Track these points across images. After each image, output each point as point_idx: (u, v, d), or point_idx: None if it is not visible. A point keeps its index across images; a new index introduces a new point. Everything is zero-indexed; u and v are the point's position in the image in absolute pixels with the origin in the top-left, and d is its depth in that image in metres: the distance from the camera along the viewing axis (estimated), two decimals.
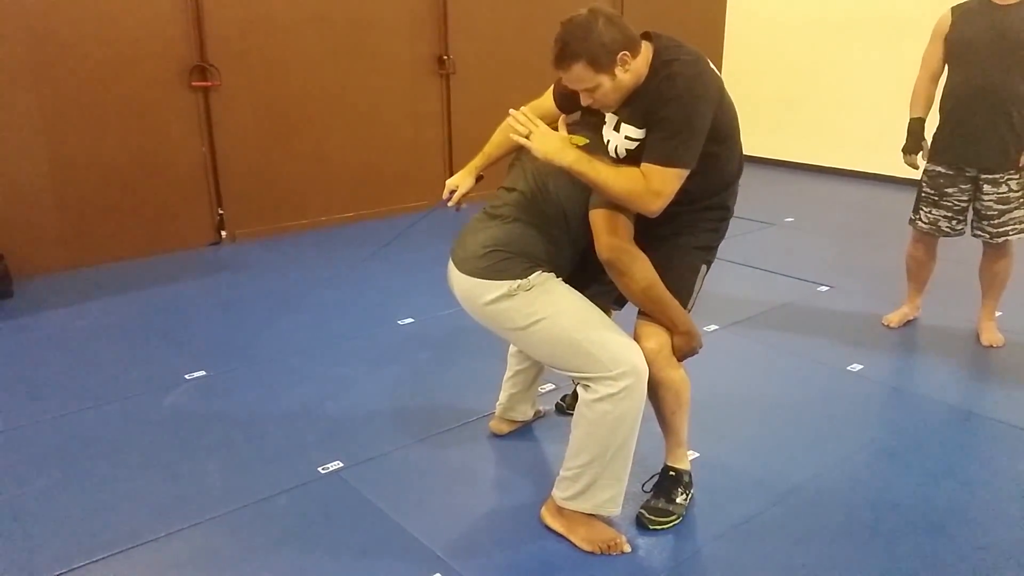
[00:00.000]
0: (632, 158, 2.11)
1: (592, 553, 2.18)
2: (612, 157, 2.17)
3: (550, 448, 2.76)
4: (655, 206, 2.03)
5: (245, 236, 5.14)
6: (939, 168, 3.55)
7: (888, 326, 3.79)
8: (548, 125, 2.12)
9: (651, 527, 2.29)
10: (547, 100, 2.44)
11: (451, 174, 2.63)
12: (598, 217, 2.10)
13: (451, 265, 2.32)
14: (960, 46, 3.41)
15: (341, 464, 2.61)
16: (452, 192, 2.56)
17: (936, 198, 3.57)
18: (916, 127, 3.60)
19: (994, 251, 3.57)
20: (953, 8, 3.46)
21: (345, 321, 3.83)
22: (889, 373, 3.35)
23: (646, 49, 2.07)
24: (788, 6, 7.39)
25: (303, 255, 4.87)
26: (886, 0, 6.68)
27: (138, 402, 3.03)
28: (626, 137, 2.12)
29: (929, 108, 3.60)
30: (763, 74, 7.57)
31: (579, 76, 2.01)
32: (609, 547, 2.20)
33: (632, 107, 2.09)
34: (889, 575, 2.12)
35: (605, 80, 2.01)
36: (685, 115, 2.01)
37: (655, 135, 2.04)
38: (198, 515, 2.34)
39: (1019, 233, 3.49)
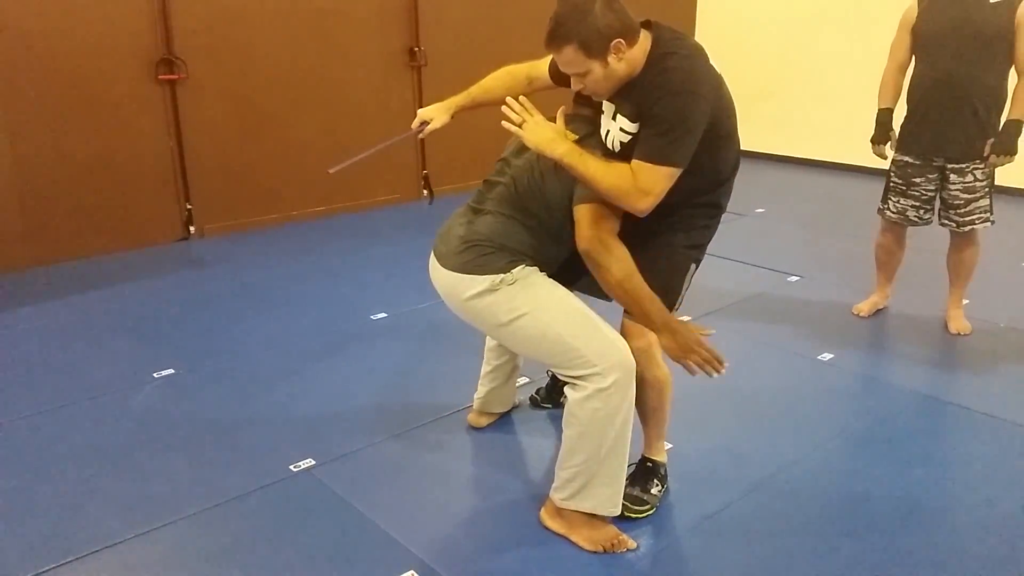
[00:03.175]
0: (625, 152, 2.05)
1: (596, 553, 2.15)
2: (608, 149, 2.11)
3: (525, 441, 2.76)
4: (643, 205, 1.97)
5: (214, 231, 5.08)
6: (907, 158, 3.58)
7: (858, 315, 3.83)
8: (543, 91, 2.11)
9: (627, 514, 2.28)
10: (544, 64, 2.40)
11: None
12: (582, 210, 2.06)
13: (433, 260, 2.29)
14: (926, 37, 3.44)
15: (313, 462, 2.58)
16: (423, 124, 2.52)
17: (904, 188, 3.61)
18: (884, 117, 3.63)
19: (961, 240, 3.61)
20: None
21: (317, 316, 3.80)
22: (860, 362, 3.38)
23: (644, 39, 2.00)
24: None
25: (274, 250, 4.82)
26: None
27: (106, 401, 2.98)
28: (620, 129, 2.06)
29: (897, 98, 3.63)
30: (734, 66, 7.54)
31: (569, 59, 1.94)
32: (613, 545, 2.17)
33: (627, 99, 2.03)
34: (859, 564, 2.14)
35: (596, 67, 1.94)
36: (679, 112, 1.94)
37: (647, 131, 1.98)
38: (169, 515, 2.31)
39: (985, 222, 3.53)
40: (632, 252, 2.05)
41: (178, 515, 2.31)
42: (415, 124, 2.51)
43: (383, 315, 3.80)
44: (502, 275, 2.12)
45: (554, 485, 2.23)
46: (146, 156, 4.75)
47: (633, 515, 2.29)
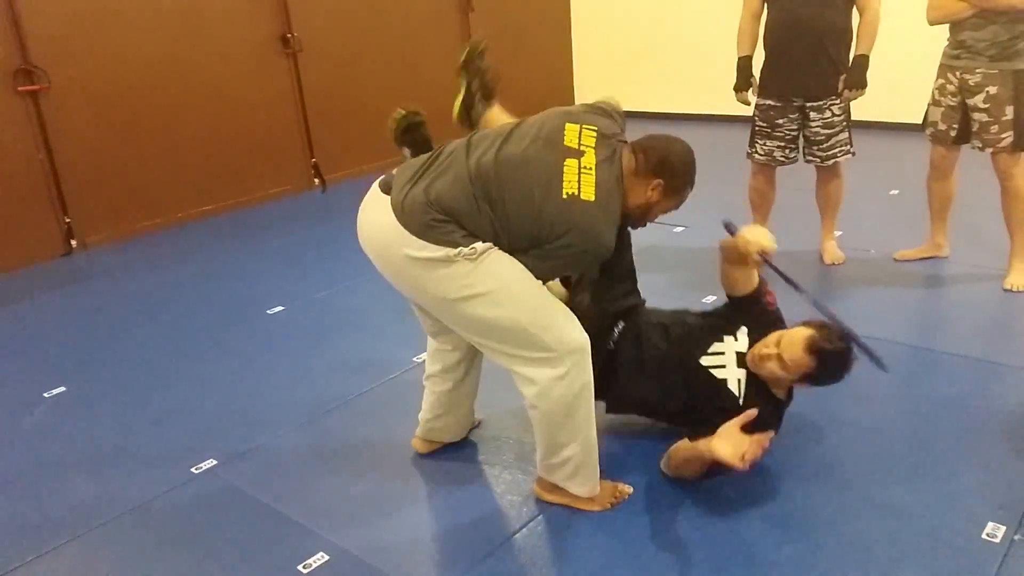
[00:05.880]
0: None
1: (604, 510, 2.21)
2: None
3: None
4: None
5: (98, 243, 4.91)
6: (768, 101, 3.74)
7: None
8: None
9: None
10: None
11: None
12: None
13: (376, 196, 2.09)
14: None
15: (215, 461, 2.57)
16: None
17: (768, 130, 3.77)
18: (744, 64, 3.78)
19: (826, 173, 3.81)
20: None
21: (211, 317, 3.74)
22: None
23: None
24: None
25: (162, 255, 4.70)
26: None
27: None
28: None
29: (754, 46, 3.78)
30: (610, 29, 7.72)
31: None
32: (616, 498, 2.24)
33: None
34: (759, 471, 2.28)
35: None
36: None
37: None
38: (68, 533, 2.27)
39: (846, 154, 3.74)
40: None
41: (79, 531, 2.28)
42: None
43: (280, 308, 3.77)
44: (461, 248, 1.96)
45: (542, 469, 2.23)
46: (15, 173, 4.55)
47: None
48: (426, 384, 2.49)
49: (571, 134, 2.02)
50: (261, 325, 3.62)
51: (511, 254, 2.01)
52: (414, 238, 1.98)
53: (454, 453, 2.54)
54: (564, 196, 1.93)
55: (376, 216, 2.07)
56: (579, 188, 1.94)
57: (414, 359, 3.14)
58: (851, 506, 2.18)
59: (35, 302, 4.10)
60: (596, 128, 2.06)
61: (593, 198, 1.94)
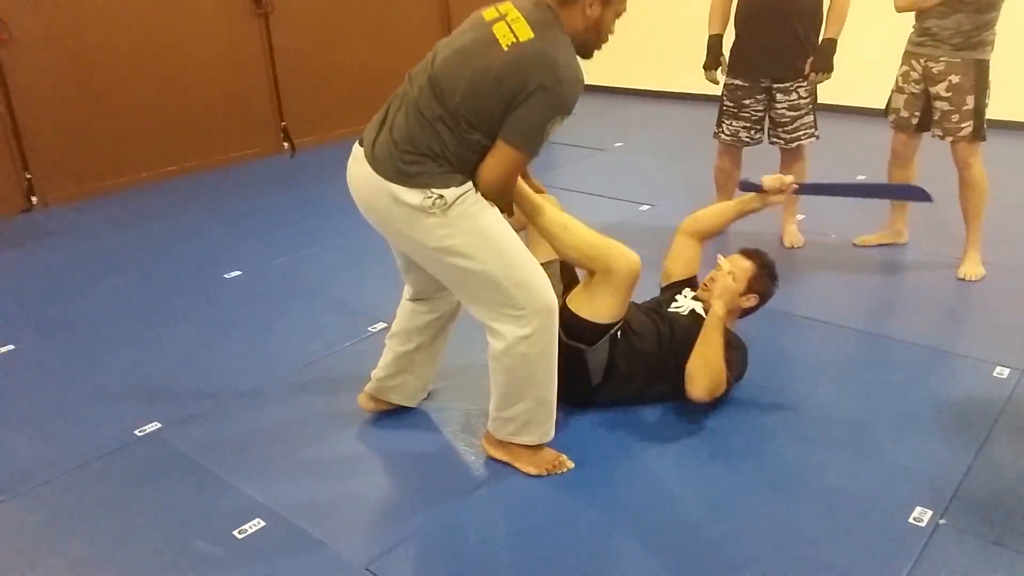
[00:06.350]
0: None
1: (540, 475, 2.25)
2: None
3: None
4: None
5: (59, 200, 4.84)
6: (736, 81, 3.74)
7: None
8: None
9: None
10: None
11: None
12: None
13: (356, 151, 2.14)
14: None
15: (160, 425, 2.56)
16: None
17: (735, 110, 3.77)
18: (714, 43, 3.76)
19: (790, 156, 3.82)
20: None
21: (168, 280, 3.71)
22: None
23: None
24: None
25: (122, 215, 4.64)
26: None
27: None
28: None
29: (725, 24, 3.77)
30: None
31: None
32: (554, 466, 2.27)
33: None
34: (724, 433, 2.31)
35: None
36: None
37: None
38: (3, 493, 2.26)
39: (810, 138, 3.74)
40: None
41: (14, 492, 2.27)
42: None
43: (237, 273, 3.74)
44: (432, 193, 2.00)
45: (492, 423, 2.27)
46: None
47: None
48: (387, 343, 2.49)
49: (489, 14, 2.05)
50: (217, 290, 3.59)
51: (496, 141, 1.99)
52: (390, 184, 2.02)
53: (400, 421, 2.55)
54: (506, 48, 1.95)
55: (357, 168, 2.12)
56: (515, 36, 1.95)
57: (369, 328, 3.14)
58: (786, 486, 2.21)
59: None
60: (508, 0, 2.07)
61: (532, 35, 1.94)
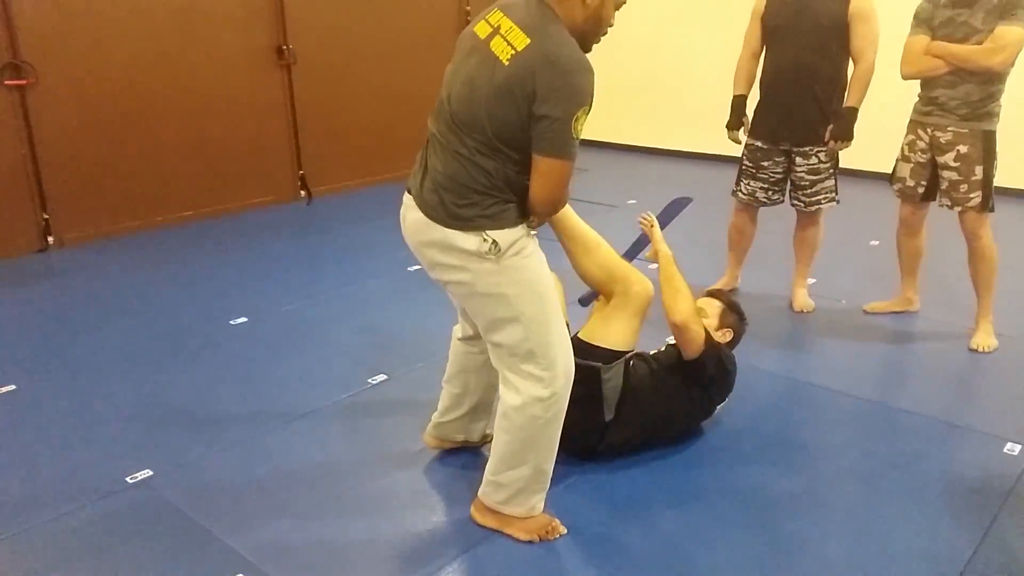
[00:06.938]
0: None
1: (531, 541, 2.20)
2: None
3: (369, 437, 2.76)
4: None
5: (75, 241, 4.90)
6: (757, 142, 3.75)
7: None
8: None
9: None
10: None
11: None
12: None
13: (406, 198, 2.16)
14: (772, 27, 3.60)
15: (151, 472, 2.54)
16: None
17: (754, 170, 3.78)
18: (738, 103, 3.78)
19: (806, 219, 3.81)
20: None
21: (174, 324, 3.71)
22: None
23: None
24: None
25: (136, 258, 4.68)
26: None
27: None
28: None
29: (751, 85, 3.79)
30: (609, 63, 7.75)
31: None
32: (547, 532, 2.22)
33: None
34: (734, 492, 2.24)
35: None
36: None
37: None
38: None
39: (830, 202, 3.74)
40: None
41: (1, 535, 2.24)
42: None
43: (243, 320, 3.74)
44: (491, 239, 1.99)
45: (484, 488, 2.24)
46: None
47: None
48: (444, 386, 2.54)
49: (482, 30, 2.03)
50: (220, 335, 3.58)
51: (533, 157, 1.97)
52: (447, 230, 2.03)
53: (393, 476, 2.51)
54: (507, 63, 1.92)
55: (411, 216, 2.13)
56: (513, 47, 1.92)
57: (369, 380, 3.12)
58: (784, 562, 2.15)
59: (3, 296, 4.07)
60: (497, 9, 2.04)
61: (529, 40, 1.91)
